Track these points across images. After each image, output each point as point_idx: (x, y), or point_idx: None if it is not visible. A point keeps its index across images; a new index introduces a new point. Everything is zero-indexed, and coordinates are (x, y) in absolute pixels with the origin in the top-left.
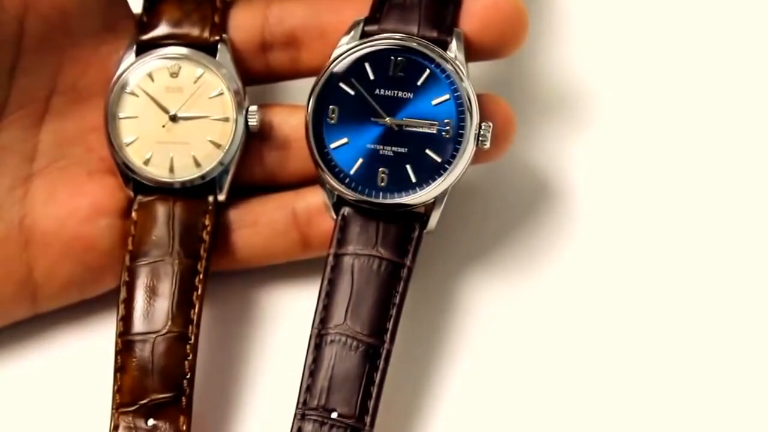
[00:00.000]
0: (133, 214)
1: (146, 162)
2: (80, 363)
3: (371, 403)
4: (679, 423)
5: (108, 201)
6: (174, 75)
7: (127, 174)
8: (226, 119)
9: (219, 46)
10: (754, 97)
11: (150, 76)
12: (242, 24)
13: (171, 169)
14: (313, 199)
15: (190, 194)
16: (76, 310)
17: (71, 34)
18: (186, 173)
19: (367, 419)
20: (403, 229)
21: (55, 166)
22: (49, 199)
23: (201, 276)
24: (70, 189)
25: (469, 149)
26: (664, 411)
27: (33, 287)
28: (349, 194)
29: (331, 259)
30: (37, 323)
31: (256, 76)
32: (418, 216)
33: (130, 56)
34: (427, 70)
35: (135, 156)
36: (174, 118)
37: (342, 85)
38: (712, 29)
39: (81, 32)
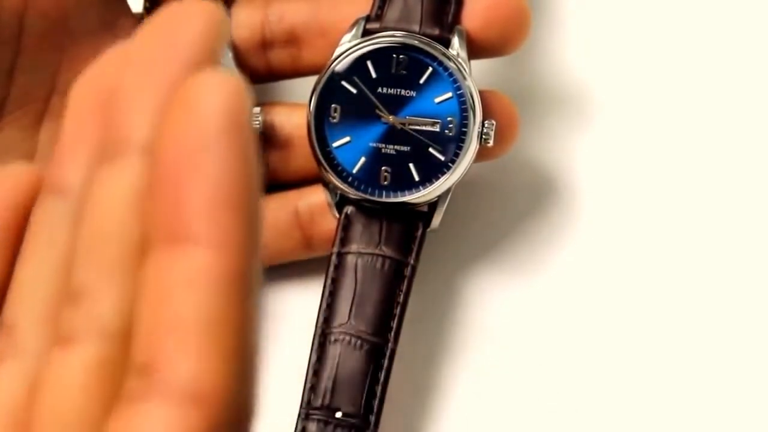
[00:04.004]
0: None
1: None
2: None
3: (376, 403)
4: (684, 421)
5: None
6: None
7: None
8: None
9: None
10: (757, 95)
11: None
12: (242, 22)
13: None
14: (316, 198)
15: None
16: None
17: (70, 32)
18: None
19: (372, 418)
20: (407, 228)
21: None
22: None
23: None
24: None
25: (472, 147)
26: (670, 407)
27: None
28: (352, 193)
29: (334, 258)
30: None
31: (257, 74)
32: (422, 214)
33: None
34: (430, 68)
35: None
36: None
37: (344, 83)
38: (716, 27)
39: (80, 30)
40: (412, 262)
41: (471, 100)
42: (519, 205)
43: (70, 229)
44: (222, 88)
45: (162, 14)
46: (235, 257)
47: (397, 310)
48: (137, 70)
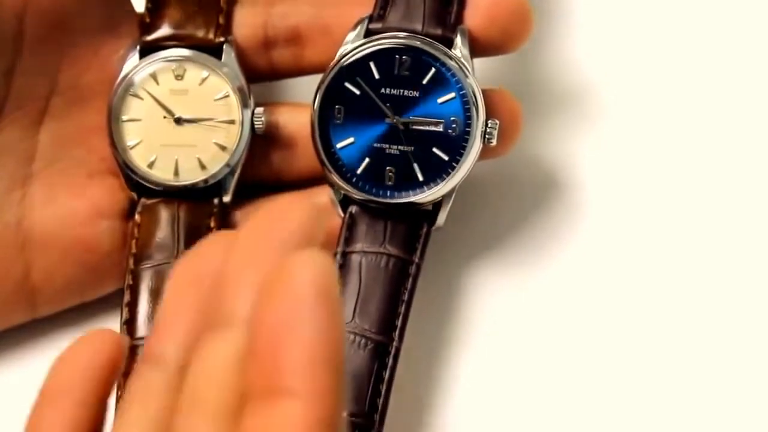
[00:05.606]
0: (137, 217)
1: (150, 165)
2: None
3: (380, 401)
4: (684, 419)
5: (108, 203)
6: (179, 77)
7: (130, 176)
8: (232, 122)
9: (224, 47)
10: (761, 96)
11: (155, 78)
12: (245, 21)
13: (176, 172)
14: (320, 197)
15: (195, 197)
16: (76, 314)
17: (71, 32)
18: (191, 176)
19: (377, 417)
20: (411, 227)
21: (54, 167)
22: (48, 200)
23: None
24: (70, 190)
25: (476, 147)
26: (672, 405)
27: (31, 290)
28: (357, 194)
29: (338, 257)
30: (36, 327)
31: (259, 73)
32: (426, 213)
33: (134, 58)
34: (433, 69)
35: (139, 159)
36: (179, 121)
37: (347, 84)
38: (722, 24)
39: (81, 31)
40: (416, 260)
41: (474, 100)
42: (523, 203)
43: (167, 395)
44: (313, 264)
45: (268, 209)
46: (328, 407)
47: (402, 309)
48: (243, 255)
